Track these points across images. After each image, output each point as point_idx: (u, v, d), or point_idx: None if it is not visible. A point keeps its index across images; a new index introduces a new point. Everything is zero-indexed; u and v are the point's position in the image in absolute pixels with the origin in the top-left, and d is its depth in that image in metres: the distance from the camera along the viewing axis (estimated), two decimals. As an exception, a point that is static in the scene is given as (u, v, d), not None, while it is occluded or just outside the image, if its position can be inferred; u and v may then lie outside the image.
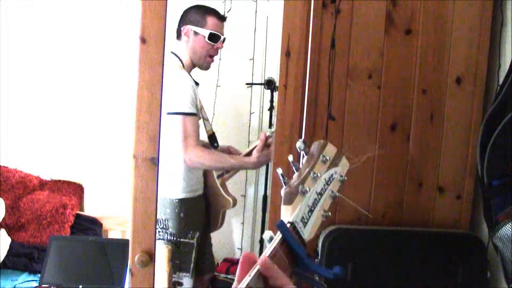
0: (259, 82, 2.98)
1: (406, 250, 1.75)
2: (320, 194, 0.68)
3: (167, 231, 2.09)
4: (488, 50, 1.80)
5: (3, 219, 2.62)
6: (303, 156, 0.69)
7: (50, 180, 2.91)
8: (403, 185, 1.83)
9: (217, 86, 2.95)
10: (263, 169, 2.91)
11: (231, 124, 2.99)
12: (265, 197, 2.83)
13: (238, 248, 3.13)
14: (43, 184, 2.88)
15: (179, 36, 2.16)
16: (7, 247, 2.54)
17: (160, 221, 2.08)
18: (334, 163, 0.70)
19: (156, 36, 1.28)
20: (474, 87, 1.81)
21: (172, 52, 2.14)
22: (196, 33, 2.12)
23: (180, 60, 2.14)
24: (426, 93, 1.81)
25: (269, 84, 2.74)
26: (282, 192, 0.65)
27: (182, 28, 2.13)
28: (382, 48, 1.78)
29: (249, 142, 2.99)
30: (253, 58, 2.99)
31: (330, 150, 0.70)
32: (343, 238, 1.73)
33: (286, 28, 1.69)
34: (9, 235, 2.61)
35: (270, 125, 2.80)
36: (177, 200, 2.10)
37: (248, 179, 3.07)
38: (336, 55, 1.74)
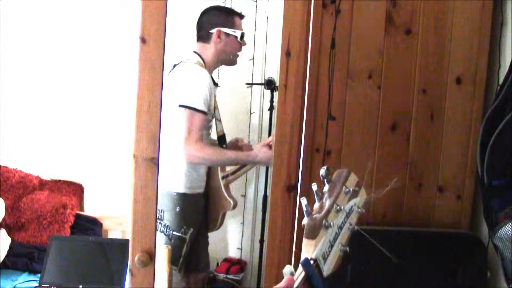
0: (259, 82, 2.98)
1: (406, 250, 1.75)
2: (340, 227, 0.66)
3: (162, 222, 2.10)
4: (488, 50, 1.80)
5: (3, 219, 2.62)
6: (325, 184, 0.66)
7: (50, 180, 2.90)
8: (403, 185, 1.83)
9: (217, 86, 2.95)
10: (263, 169, 2.90)
11: (231, 124, 2.98)
12: (265, 197, 2.83)
13: (238, 248, 3.13)
14: (43, 184, 2.88)
15: (207, 38, 2.20)
16: (7, 247, 2.54)
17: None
18: (354, 194, 0.68)
19: (156, 36, 1.28)
20: (474, 87, 1.81)
21: (194, 52, 2.20)
22: (227, 35, 2.19)
23: (203, 60, 2.18)
24: (426, 93, 1.81)
25: (269, 84, 2.74)
26: (305, 223, 0.63)
27: (212, 31, 2.18)
28: (382, 48, 1.78)
29: (249, 142, 2.98)
30: (253, 58, 2.99)
31: (353, 180, 0.68)
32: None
33: (286, 28, 1.69)
34: (9, 235, 2.61)
35: (270, 125, 2.80)
36: (175, 194, 2.11)
37: (248, 179, 3.07)
38: (336, 55, 1.74)
